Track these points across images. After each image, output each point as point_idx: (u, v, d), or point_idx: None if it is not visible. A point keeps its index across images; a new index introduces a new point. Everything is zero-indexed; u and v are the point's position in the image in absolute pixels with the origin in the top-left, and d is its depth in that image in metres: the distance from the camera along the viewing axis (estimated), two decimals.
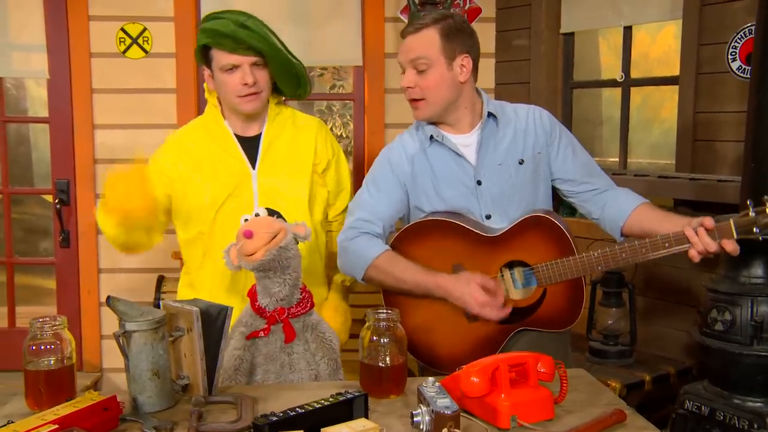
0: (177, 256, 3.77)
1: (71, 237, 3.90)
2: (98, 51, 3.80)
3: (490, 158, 2.09)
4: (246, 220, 1.74)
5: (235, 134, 2.23)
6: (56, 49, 3.80)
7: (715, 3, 2.93)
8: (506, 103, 2.21)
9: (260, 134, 2.24)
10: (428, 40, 2.04)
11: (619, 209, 2.09)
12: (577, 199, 2.17)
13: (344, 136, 6.20)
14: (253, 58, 2.11)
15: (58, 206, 3.87)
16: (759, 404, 2.26)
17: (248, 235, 1.68)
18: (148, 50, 3.82)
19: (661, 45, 4.27)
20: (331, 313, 2.15)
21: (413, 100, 2.09)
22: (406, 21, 3.69)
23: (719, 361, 2.33)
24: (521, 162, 2.09)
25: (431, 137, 2.10)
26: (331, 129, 6.29)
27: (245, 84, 2.10)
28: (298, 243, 1.77)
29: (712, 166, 2.99)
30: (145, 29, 3.80)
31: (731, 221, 1.80)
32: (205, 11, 3.82)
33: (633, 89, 3.71)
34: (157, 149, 2.32)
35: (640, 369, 2.93)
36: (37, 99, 4.95)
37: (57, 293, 3.99)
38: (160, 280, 3.72)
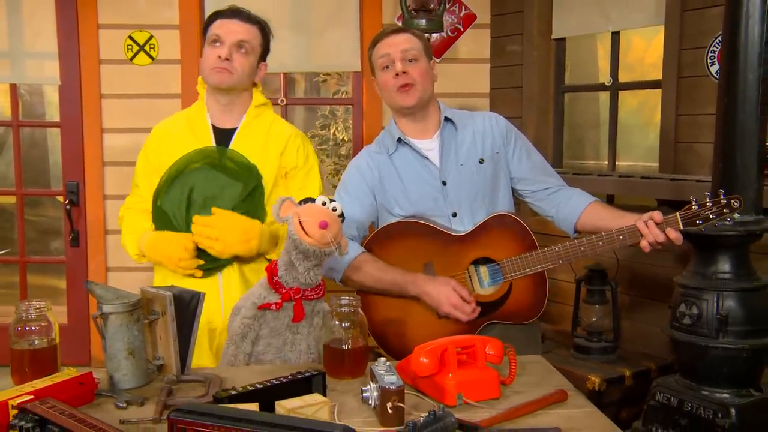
0: None
1: (80, 237, 4.06)
2: (107, 58, 3.97)
3: (453, 159, 2.21)
4: (324, 203, 1.76)
5: (213, 125, 2.33)
6: (67, 56, 3.98)
7: (695, 9, 3.02)
8: (462, 110, 2.35)
9: (236, 128, 2.33)
10: (411, 38, 2.23)
11: (573, 207, 2.21)
12: (532, 198, 2.29)
13: (346, 140, 6.34)
14: (239, 37, 2.24)
15: (68, 207, 4.03)
16: (726, 395, 2.33)
17: (323, 225, 1.72)
18: (154, 57, 3.97)
19: (656, 49, 4.34)
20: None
21: (402, 87, 2.19)
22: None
23: (688, 353, 2.40)
24: (481, 161, 2.21)
25: (399, 139, 2.22)
26: (334, 134, 6.41)
27: (219, 57, 2.22)
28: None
29: (693, 166, 3.07)
30: (151, 37, 3.96)
31: (677, 215, 1.95)
32: None
33: (631, 93, 3.80)
34: (147, 138, 2.47)
35: (622, 364, 3.01)
36: (54, 104, 5.13)
37: (67, 291, 4.15)
38: None
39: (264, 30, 2.33)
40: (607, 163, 3.67)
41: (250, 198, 2.22)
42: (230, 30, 2.25)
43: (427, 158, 2.21)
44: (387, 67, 2.20)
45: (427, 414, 1.29)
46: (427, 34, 3.79)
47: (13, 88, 4.08)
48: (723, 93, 2.41)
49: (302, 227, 1.73)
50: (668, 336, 2.47)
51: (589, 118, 4.59)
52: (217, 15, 2.30)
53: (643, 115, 4.64)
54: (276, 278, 1.84)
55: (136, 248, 2.31)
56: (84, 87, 3.98)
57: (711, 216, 1.98)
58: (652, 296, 3.21)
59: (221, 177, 2.21)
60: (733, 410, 2.27)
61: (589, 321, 3.13)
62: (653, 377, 2.96)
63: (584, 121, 4.57)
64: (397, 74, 2.17)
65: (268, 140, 2.34)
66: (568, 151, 4.02)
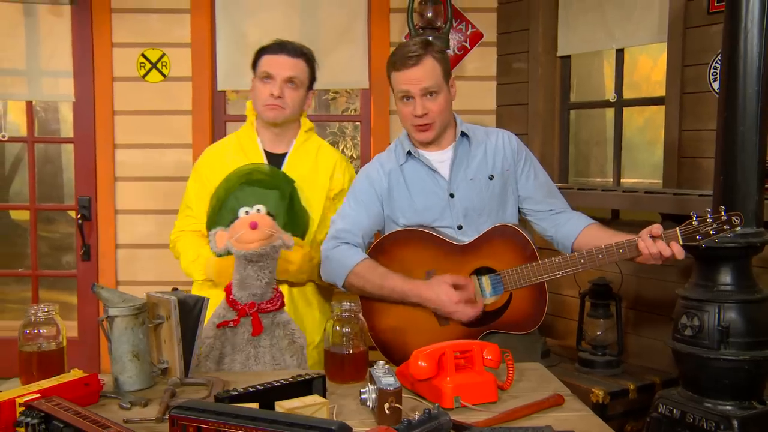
0: None
1: (92, 251, 4.12)
2: (120, 75, 4.04)
3: (463, 173, 2.25)
4: (246, 212, 1.87)
5: (265, 150, 2.44)
6: (82, 74, 4.05)
7: (697, 26, 3.05)
8: (478, 126, 2.38)
9: (287, 153, 2.44)
10: (432, 68, 2.18)
11: (571, 228, 2.25)
12: (534, 218, 2.32)
13: (355, 157, 6.41)
14: (289, 74, 2.34)
15: (80, 221, 4.09)
16: (728, 407, 2.33)
17: (253, 226, 1.82)
18: (166, 74, 4.04)
19: (662, 68, 4.38)
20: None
21: (421, 125, 2.21)
22: None
23: (689, 365, 2.41)
24: (491, 178, 2.24)
25: (409, 152, 2.25)
26: (343, 150, 6.49)
27: (271, 95, 2.33)
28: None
29: (697, 181, 3.09)
30: (163, 55, 4.03)
31: (677, 230, 1.97)
32: (220, 38, 4.05)
33: (637, 112, 3.83)
34: (198, 160, 2.56)
35: (626, 378, 3.01)
36: (67, 121, 5.23)
37: (78, 304, 4.20)
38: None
39: (310, 61, 2.44)
40: (611, 180, 3.69)
41: (290, 203, 2.26)
42: (279, 66, 2.36)
43: (436, 171, 2.25)
44: (406, 99, 2.21)
45: (422, 412, 1.32)
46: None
47: (29, 105, 4.17)
48: (723, 106, 2.43)
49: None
50: (670, 347, 2.48)
51: (594, 136, 4.63)
52: (265, 50, 2.41)
53: (649, 134, 4.67)
54: (231, 296, 1.91)
55: (203, 274, 2.36)
56: (97, 104, 4.05)
57: (711, 232, 1.99)
58: (656, 311, 3.22)
59: (257, 190, 2.25)
60: (735, 422, 2.27)
61: (594, 335, 3.14)
62: (657, 391, 2.96)
63: (590, 139, 4.60)
64: (416, 115, 2.19)
65: (317, 164, 2.45)
66: (573, 167, 4.05)
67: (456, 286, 2.09)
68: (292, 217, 2.23)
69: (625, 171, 3.81)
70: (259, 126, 2.47)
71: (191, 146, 4.06)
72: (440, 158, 2.28)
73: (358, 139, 4.80)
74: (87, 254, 4.12)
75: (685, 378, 2.48)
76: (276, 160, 2.43)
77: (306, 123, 2.50)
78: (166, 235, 4.07)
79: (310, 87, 2.46)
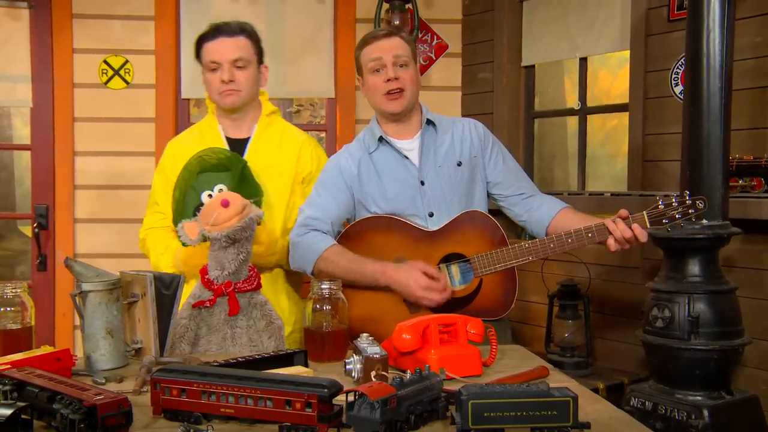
0: None
1: (48, 261, 3.99)
2: (81, 81, 3.96)
3: (432, 161, 2.26)
4: (210, 195, 1.82)
5: (227, 137, 2.39)
6: (40, 80, 3.96)
7: (658, 33, 3.14)
8: (443, 116, 2.41)
9: (249, 138, 2.39)
10: (402, 43, 2.27)
11: (544, 212, 2.27)
12: (505, 203, 2.34)
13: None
14: (234, 56, 2.28)
15: (36, 230, 3.97)
16: (699, 397, 2.36)
17: (225, 204, 1.76)
18: (129, 81, 3.98)
19: (622, 81, 4.49)
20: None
21: (392, 93, 2.23)
22: None
23: (660, 357, 2.43)
24: (459, 164, 2.26)
25: (380, 138, 2.26)
26: None
27: (222, 81, 2.28)
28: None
29: (661, 183, 3.15)
30: (126, 61, 3.98)
31: (644, 213, 2.01)
32: (184, 45, 4.01)
33: (600, 125, 3.91)
34: (162, 155, 2.50)
35: (595, 378, 3.02)
36: (18, 128, 5.08)
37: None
38: None
39: (251, 36, 2.37)
40: (576, 189, 3.74)
41: (242, 180, 2.23)
42: (222, 51, 2.30)
43: (406, 158, 2.25)
44: (377, 71, 2.23)
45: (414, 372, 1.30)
46: None
47: None
48: (689, 103, 2.50)
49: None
50: (641, 341, 2.50)
51: (559, 148, 4.70)
52: (203, 39, 2.35)
53: (611, 147, 4.76)
54: (207, 277, 1.86)
55: (172, 266, 2.29)
56: (57, 110, 3.95)
57: (677, 216, 2.03)
58: (623, 314, 3.25)
59: (213, 175, 2.23)
60: (705, 411, 2.30)
61: (562, 336, 3.15)
62: (626, 390, 2.98)
63: (554, 151, 4.67)
64: (388, 79, 2.21)
65: (281, 148, 2.40)
66: (537, 179, 4.09)
67: (427, 274, 2.08)
68: (248, 193, 2.17)
69: (589, 181, 3.87)
70: (219, 114, 2.42)
71: (154, 154, 3.99)
72: (409, 147, 2.30)
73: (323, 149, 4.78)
74: (43, 264, 3.99)
75: (655, 370, 2.50)
76: (238, 145, 2.38)
77: (268, 106, 2.45)
78: (128, 245, 4.02)
79: (260, 62, 2.39)
